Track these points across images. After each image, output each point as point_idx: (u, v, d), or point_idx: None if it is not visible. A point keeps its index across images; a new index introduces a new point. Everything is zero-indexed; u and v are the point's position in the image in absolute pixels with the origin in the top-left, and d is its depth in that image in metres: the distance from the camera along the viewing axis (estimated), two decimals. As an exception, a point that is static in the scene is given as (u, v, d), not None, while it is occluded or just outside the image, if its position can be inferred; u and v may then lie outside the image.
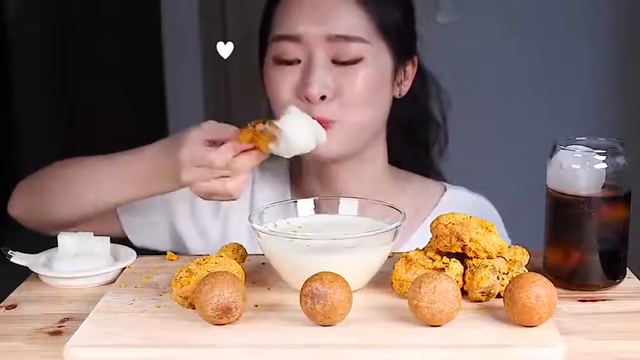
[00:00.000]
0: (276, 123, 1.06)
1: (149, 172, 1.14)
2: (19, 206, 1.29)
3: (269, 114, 1.30)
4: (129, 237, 1.34)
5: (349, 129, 1.23)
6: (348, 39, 1.21)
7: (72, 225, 1.23)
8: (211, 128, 1.09)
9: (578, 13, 2.69)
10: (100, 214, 1.23)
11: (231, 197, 1.09)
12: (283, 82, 1.22)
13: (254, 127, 1.06)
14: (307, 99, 1.20)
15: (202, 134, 1.08)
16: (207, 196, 1.10)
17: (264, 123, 1.06)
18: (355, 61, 1.22)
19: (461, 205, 1.17)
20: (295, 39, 1.21)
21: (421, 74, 1.37)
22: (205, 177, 1.07)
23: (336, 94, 1.21)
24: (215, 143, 1.07)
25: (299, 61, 1.22)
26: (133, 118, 4.06)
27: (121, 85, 4.18)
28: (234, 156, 1.06)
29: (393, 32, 1.26)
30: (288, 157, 1.10)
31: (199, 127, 1.09)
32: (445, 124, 1.43)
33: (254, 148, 1.06)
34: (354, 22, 1.22)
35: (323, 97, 1.20)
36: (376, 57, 1.24)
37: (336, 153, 1.24)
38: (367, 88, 1.22)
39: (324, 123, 1.20)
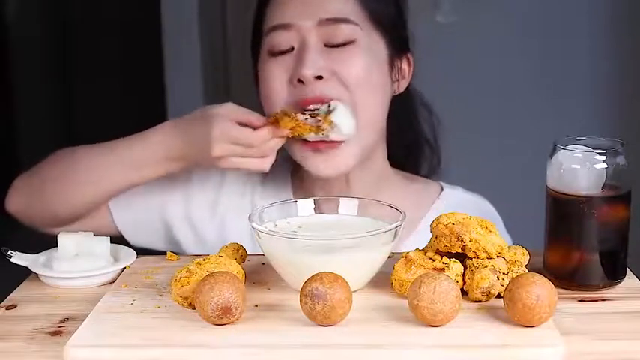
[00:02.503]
0: (331, 118, 1.18)
1: (154, 156, 1.20)
2: (18, 202, 1.29)
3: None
4: (123, 234, 1.34)
5: (360, 138, 1.23)
6: (337, 21, 1.23)
7: (71, 219, 1.23)
8: (237, 110, 1.18)
9: (578, 13, 2.68)
10: (99, 206, 1.23)
11: (263, 171, 1.22)
12: (277, 72, 1.24)
13: (295, 115, 1.17)
14: (301, 81, 1.21)
15: (232, 114, 1.17)
16: (233, 168, 1.20)
17: (302, 113, 1.19)
18: (347, 43, 1.23)
19: (458, 205, 1.18)
20: (287, 27, 1.23)
21: (412, 102, 1.39)
22: (237, 154, 1.17)
23: (333, 74, 1.22)
24: (241, 124, 1.17)
25: (292, 49, 1.24)
26: (133, 118, 4.04)
27: (121, 85, 4.18)
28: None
29: (385, 22, 1.28)
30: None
31: (225, 107, 1.19)
32: (437, 146, 1.44)
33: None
34: (342, 6, 1.25)
35: (320, 78, 1.21)
36: (369, 43, 1.25)
37: (351, 166, 1.25)
38: (363, 70, 1.23)
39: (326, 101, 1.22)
